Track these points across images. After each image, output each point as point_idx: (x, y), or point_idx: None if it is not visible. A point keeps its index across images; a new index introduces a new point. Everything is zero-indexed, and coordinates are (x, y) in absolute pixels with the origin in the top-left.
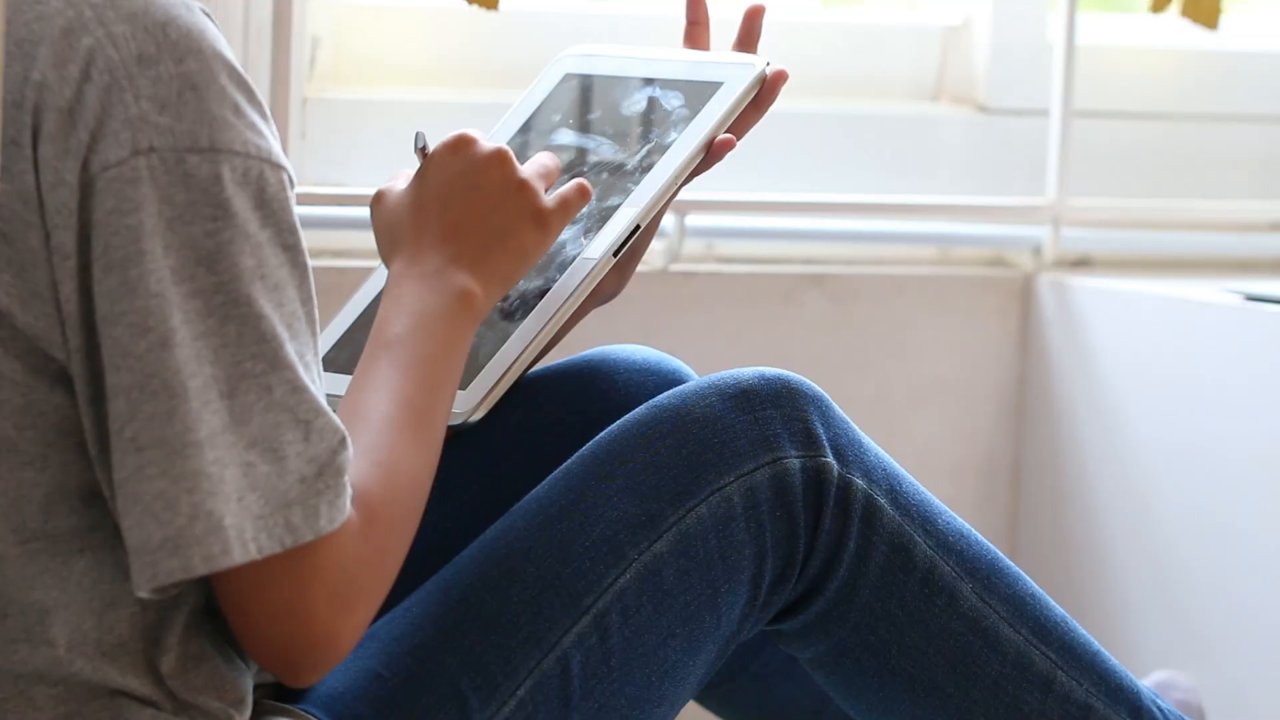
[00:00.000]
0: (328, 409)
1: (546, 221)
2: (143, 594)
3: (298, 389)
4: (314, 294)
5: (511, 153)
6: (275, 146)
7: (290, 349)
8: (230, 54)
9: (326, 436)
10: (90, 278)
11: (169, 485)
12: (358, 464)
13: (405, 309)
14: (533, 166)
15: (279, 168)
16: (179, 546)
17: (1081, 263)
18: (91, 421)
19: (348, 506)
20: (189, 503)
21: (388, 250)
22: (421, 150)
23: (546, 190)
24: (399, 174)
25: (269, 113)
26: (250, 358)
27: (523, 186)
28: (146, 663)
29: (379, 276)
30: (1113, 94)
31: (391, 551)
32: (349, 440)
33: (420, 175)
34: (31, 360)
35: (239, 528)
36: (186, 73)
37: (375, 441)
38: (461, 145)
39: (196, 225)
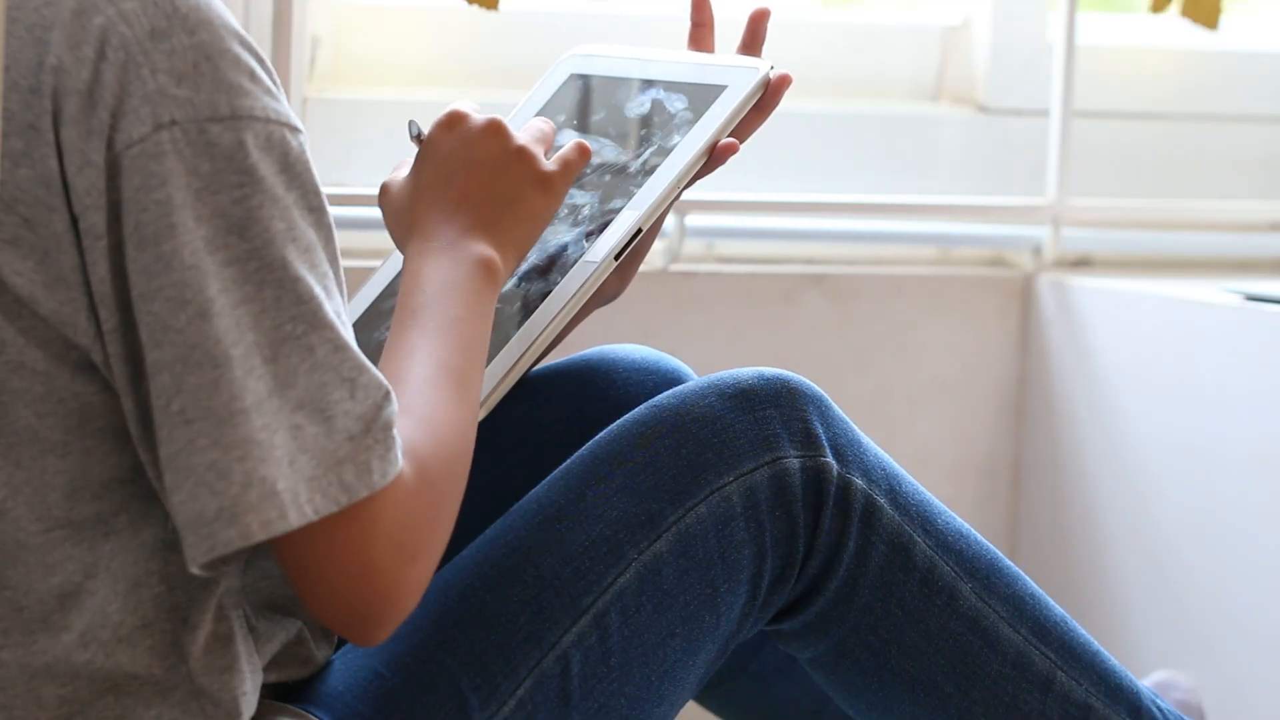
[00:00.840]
0: (370, 365)
1: (550, 184)
2: (195, 569)
3: (339, 347)
4: (339, 254)
5: (505, 121)
6: (290, 110)
7: (328, 308)
8: (236, 23)
9: (371, 392)
10: (123, 256)
11: (221, 455)
12: (402, 421)
13: (426, 280)
14: (528, 133)
15: (297, 130)
16: (235, 515)
17: (1081, 263)
18: (133, 401)
19: (399, 459)
20: (242, 470)
21: (401, 236)
22: (417, 137)
23: (546, 154)
24: (400, 164)
25: (278, 78)
26: (290, 320)
27: (521, 153)
28: (171, 643)
29: (373, 283)
30: (1113, 94)
31: (446, 503)
32: (393, 394)
33: (420, 158)
34: (54, 348)
35: (293, 491)
36: (200, 43)
37: (415, 400)
38: (455, 121)
39: (224, 194)
